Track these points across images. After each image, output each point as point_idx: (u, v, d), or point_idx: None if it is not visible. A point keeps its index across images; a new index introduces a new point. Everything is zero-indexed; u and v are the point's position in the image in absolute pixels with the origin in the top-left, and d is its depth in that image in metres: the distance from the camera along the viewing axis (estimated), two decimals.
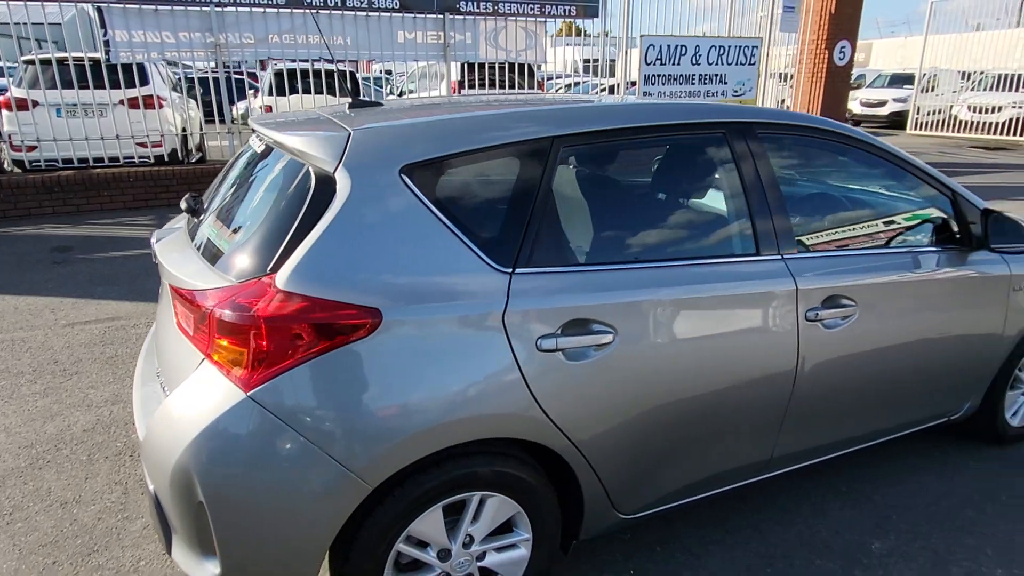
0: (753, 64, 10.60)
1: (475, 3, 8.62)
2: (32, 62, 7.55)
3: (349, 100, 2.13)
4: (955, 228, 2.48)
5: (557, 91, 12.17)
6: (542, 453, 1.83)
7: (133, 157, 7.77)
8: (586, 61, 15.69)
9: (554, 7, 9.09)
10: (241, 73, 9.43)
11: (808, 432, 2.25)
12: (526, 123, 1.81)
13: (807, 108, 11.38)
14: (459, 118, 1.82)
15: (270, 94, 9.38)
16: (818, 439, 2.30)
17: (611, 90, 11.34)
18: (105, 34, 7.14)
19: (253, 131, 2.11)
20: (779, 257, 2.06)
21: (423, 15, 8.44)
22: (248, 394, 1.48)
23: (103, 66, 7.44)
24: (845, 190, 2.46)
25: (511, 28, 8.99)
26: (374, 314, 1.53)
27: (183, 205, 2.11)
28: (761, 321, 2.00)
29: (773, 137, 2.16)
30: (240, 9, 7.55)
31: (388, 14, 8.24)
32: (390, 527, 1.64)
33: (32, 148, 7.46)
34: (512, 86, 9.53)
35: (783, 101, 11.71)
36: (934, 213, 2.50)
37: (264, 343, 1.48)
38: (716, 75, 10.41)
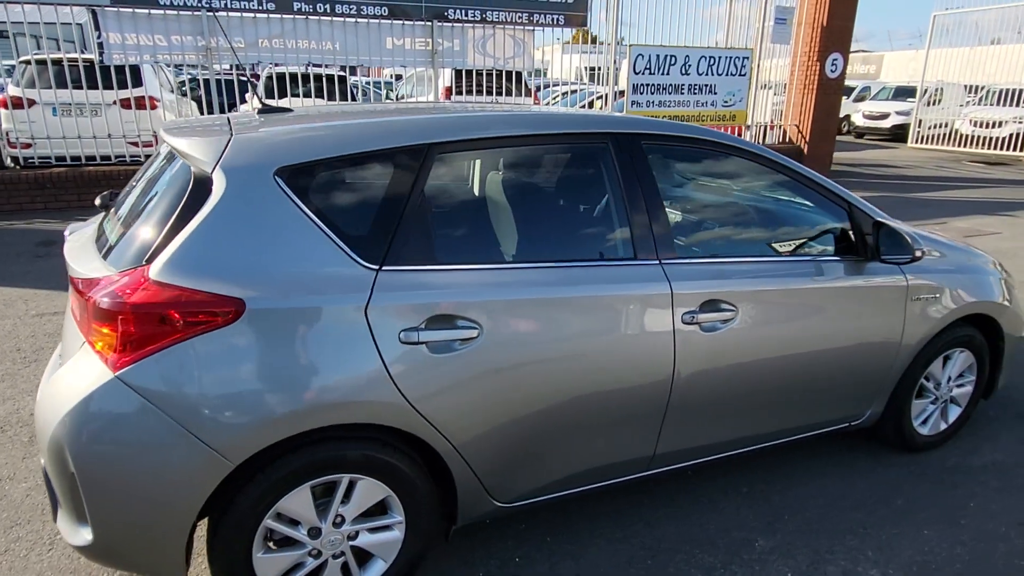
0: (744, 75, 10.68)
1: (463, 11, 8.77)
2: (29, 62, 7.79)
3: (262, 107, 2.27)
4: (852, 239, 2.57)
5: (554, 99, 12.28)
6: (412, 440, 1.94)
7: (125, 156, 7.99)
8: (592, 69, 15.86)
9: (542, 15, 9.23)
10: (258, 76, 9.66)
11: (693, 431, 2.34)
12: (403, 131, 1.94)
13: (799, 119, 11.44)
14: (339, 125, 1.95)
15: (269, 98, 9.57)
16: (704, 438, 2.39)
17: (606, 99, 11.44)
18: (99, 36, 7.36)
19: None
20: (656, 262, 2.16)
21: (412, 22, 8.60)
22: (116, 374, 1.61)
23: (99, 68, 7.66)
24: (735, 200, 2.56)
25: (499, 36, 9.13)
26: (237, 304, 1.66)
27: (97, 201, 2.26)
28: (635, 322, 2.11)
29: (659, 148, 2.27)
30: (231, 14, 7.75)
31: (377, 20, 8.41)
32: (258, 504, 1.76)
33: (27, 145, 7.69)
34: (502, 93, 9.67)
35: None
36: (828, 224, 2.59)
37: (132, 328, 1.61)
38: (706, 85, 10.49)
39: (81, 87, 7.60)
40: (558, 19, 9.36)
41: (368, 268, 1.81)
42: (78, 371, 1.67)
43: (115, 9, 7.31)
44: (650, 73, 10.07)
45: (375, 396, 1.78)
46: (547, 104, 11.77)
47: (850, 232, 2.58)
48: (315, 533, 1.89)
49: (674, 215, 2.30)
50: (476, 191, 2.12)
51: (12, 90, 7.90)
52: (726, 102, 10.72)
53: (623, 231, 2.15)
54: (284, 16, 7.98)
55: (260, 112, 2.23)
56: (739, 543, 2.40)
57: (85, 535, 1.70)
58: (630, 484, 2.67)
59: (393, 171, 1.90)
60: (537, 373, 1.98)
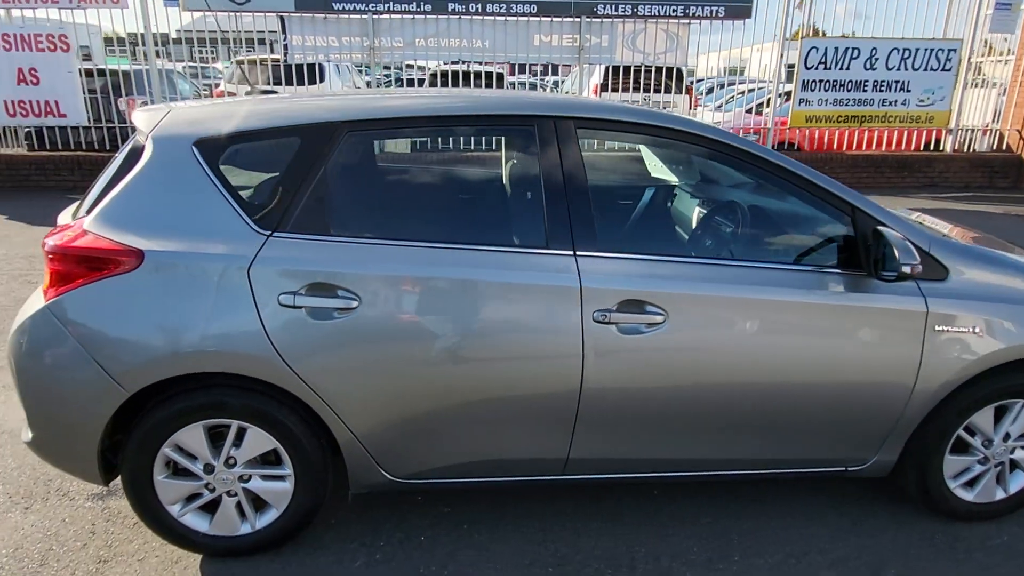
0: (948, 70, 9.18)
1: (613, 6, 8.65)
2: (241, 62, 9.25)
3: None
4: (854, 248, 2.17)
5: (728, 99, 11.59)
6: (296, 398, 2.06)
7: None
8: (790, 67, 14.66)
9: (699, 8, 8.76)
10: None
11: (614, 441, 2.16)
12: (315, 110, 2.06)
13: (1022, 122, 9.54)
14: (264, 104, 2.12)
15: None
16: (634, 452, 2.20)
17: (767, 102, 10.54)
18: (285, 39, 8.49)
19: None
20: (570, 253, 2.04)
21: (560, 19, 8.69)
22: (45, 305, 1.94)
23: (293, 66, 8.84)
24: (692, 193, 2.28)
25: (651, 30, 8.86)
26: (138, 255, 1.91)
27: None
28: (535, 314, 2.01)
29: (597, 133, 2.13)
30: (392, 16, 8.47)
31: (525, 18, 8.63)
32: (155, 432, 2.01)
33: None
34: (657, 90, 9.37)
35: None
36: (819, 229, 2.21)
37: (59, 267, 1.93)
38: (897, 82, 9.21)
39: (280, 83, 8.84)
40: (718, 11, 8.83)
41: (259, 233, 1.96)
42: (31, 302, 2.04)
43: (299, 15, 8.37)
44: (825, 68, 9.11)
45: (250, 350, 1.93)
46: (717, 106, 11.14)
47: (847, 240, 2.18)
48: (209, 469, 2.09)
49: (608, 205, 2.14)
50: (386, 170, 2.17)
51: (225, 86, 9.44)
52: (921, 101, 9.31)
53: (537, 218, 2.06)
54: (439, 16, 8.53)
55: (248, 93, 2.49)
56: (661, 572, 2.18)
57: (28, 433, 2.07)
58: (592, 489, 2.56)
59: (300, 147, 2.03)
60: (420, 352, 1.99)
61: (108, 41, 9.94)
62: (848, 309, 2.13)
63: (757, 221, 2.25)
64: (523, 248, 2.05)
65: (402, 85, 9.92)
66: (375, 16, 8.44)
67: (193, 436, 2.04)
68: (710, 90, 12.27)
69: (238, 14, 8.48)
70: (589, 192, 2.08)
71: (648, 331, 2.05)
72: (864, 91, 9.23)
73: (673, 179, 2.29)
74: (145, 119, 2.08)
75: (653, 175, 2.27)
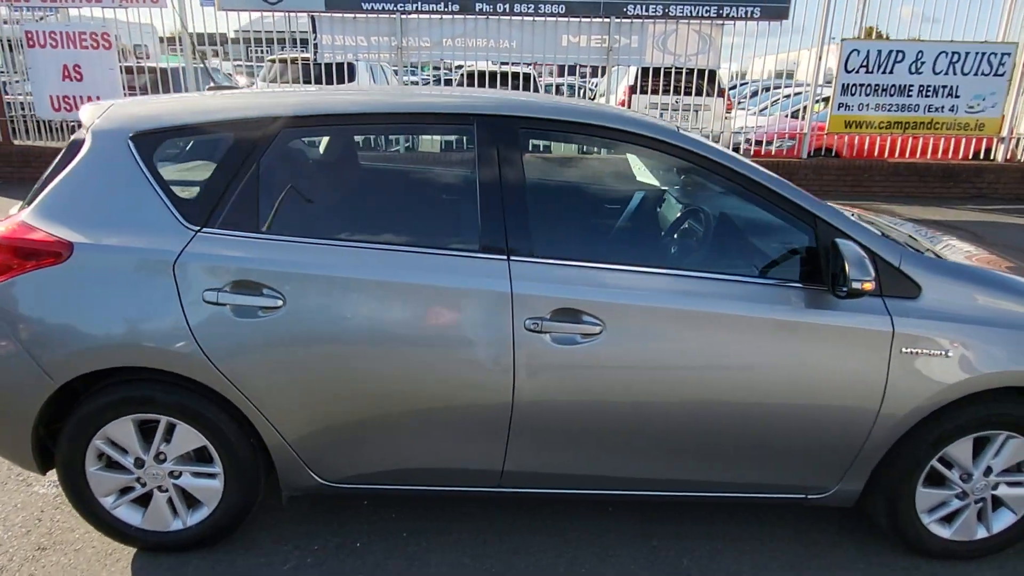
0: (1001, 75, 8.66)
1: (643, 6, 8.47)
2: (274, 61, 9.45)
3: None
4: (815, 261, 2.03)
5: (773, 102, 11.23)
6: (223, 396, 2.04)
7: None
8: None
9: (733, 8, 8.49)
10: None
11: (550, 455, 2.07)
12: (250, 107, 2.03)
13: None
14: (204, 97, 2.11)
15: None
16: (571, 467, 2.10)
17: (802, 111, 10.15)
18: (316, 38, 8.62)
19: None
20: (503, 258, 1.96)
21: (588, 19, 8.56)
22: None
23: (322, 65, 8.97)
24: (644, 200, 2.16)
25: (682, 31, 8.64)
26: (68, 247, 1.92)
27: None
28: (465, 320, 1.95)
29: (542, 133, 2.04)
30: (420, 16, 8.49)
31: (554, 19, 8.53)
32: (85, 423, 2.02)
33: None
34: (689, 92, 9.14)
35: None
36: (783, 240, 2.07)
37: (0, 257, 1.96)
38: (944, 87, 8.74)
39: (311, 81, 8.99)
40: (753, 12, 8.54)
41: (188, 228, 1.95)
42: None
43: (329, 14, 8.48)
44: (867, 72, 8.71)
45: (174, 346, 1.92)
46: (761, 108, 10.80)
47: (809, 252, 2.04)
48: (139, 464, 2.09)
49: (552, 209, 2.05)
50: (322, 168, 2.12)
51: (259, 84, 9.64)
52: (971, 107, 8.81)
53: (471, 220, 1.99)
54: (467, 16, 8.51)
55: (208, 89, 2.49)
56: None
57: None
58: (540, 503, 2.47)
59: (233, 143, 2.01)
60: (346, 355, 1.94)
61: (171, 40, 10.42)
62: (805, 326, 1.98)
63: (713, 230, 2.12)
64: (455, 251, 1.97)
65: (464, 84, 9.91)
66: (403, 16, 8.48)
67: (123, 430, 2.05)
68: (755, 93, 11.95)
69: (297, 15, 8.62)
70: (527, 194, 1.99)
71: (584, 342, 1.95)
72: (908, 96, 8.79)
73: (629, 185, 2.19)
74: (89, 113, 2.10)
75: (607, 180, 2.17)
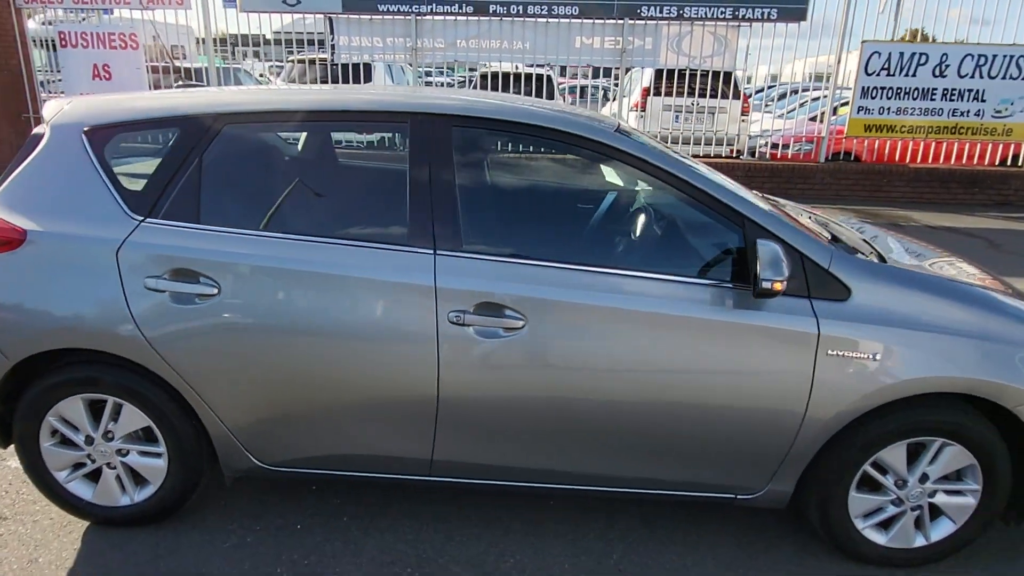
0: None
1: (658, 8, 8.43)
2: (295, 61, 9.68)
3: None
4: (740, 259, 2.03)
5: (800, 105, 11.05)
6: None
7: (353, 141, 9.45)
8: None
9: (749, 10, 8.40)
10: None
11: (478, 446, 2.12)
12: (194, 103, 2.13)
13: None
14: (157, 95, 2.21)
15: None
16: (499, 459, 2.14)
17: (823, 115, 9.94)
18: (333, 39, 8.80)
19: None
20: (430, 252, 2.01)
21: (602, 20, 8.56)
22: None
23: (340, 66, 9.15)
24: (573, 198, 2.19)
25: (697, 33, 8.57)
26: (22, 234, 2.04)
27: None
28: (391, 312, 2.00)
29: (476, 132, 2.09)
30: (435, 17, 8.60)
31: (567, 20, 8.55)
32: (38, 401, 2.13)
33: None
34: (705, 94, 9.06)
35: None
36: (713, 238, 2.08)
37: None
38: (970, 91, 8.49)
39: (329, 82, 9.18)
40: (770, 13, 8.43)
41: (132, 218, 2.05)
42: None
43: (345, 16, 8.65)
44: (888, 75, 8.52)
45: (117, 330, 2.03)
46: (789, 111, 10.64)
47: (739, 252, 2.04)
48: (89, 441, 2.20)
49: (484, 205, 2.10)
50: (261, 163, 2.21)
51: (278, 82, 9.88)
52: (998, 112, 8.55)
53: (401, 215, 2.05)
54: (481, 18, 8.59)
55: (177, 86, 2.61)
56: None
57: None
58: (480, 494, 2.52)
59: (178, 137, 2.10)
60: (278, 343, 2.02)
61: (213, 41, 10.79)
62: (728, 326, 1.99)
63: (643, 229, 2.14)
64: (384, 244, 2.04)
65: (465, 86, 10.00)
66: (418, 18, 8.60)
67: (74, 408, 2.16)
68: (783, 96, 11.77)
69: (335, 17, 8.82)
70: (457, 191, 2.04)
71: (506, 336, 1.99)
72: (932, 100, 8.57)
73: (562, 183, 2.22)
74: (51, 108, 2.22)
75: (542, 178, 2.21)
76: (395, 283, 2.00)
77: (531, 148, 2.31)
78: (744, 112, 9.75)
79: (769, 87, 11.07)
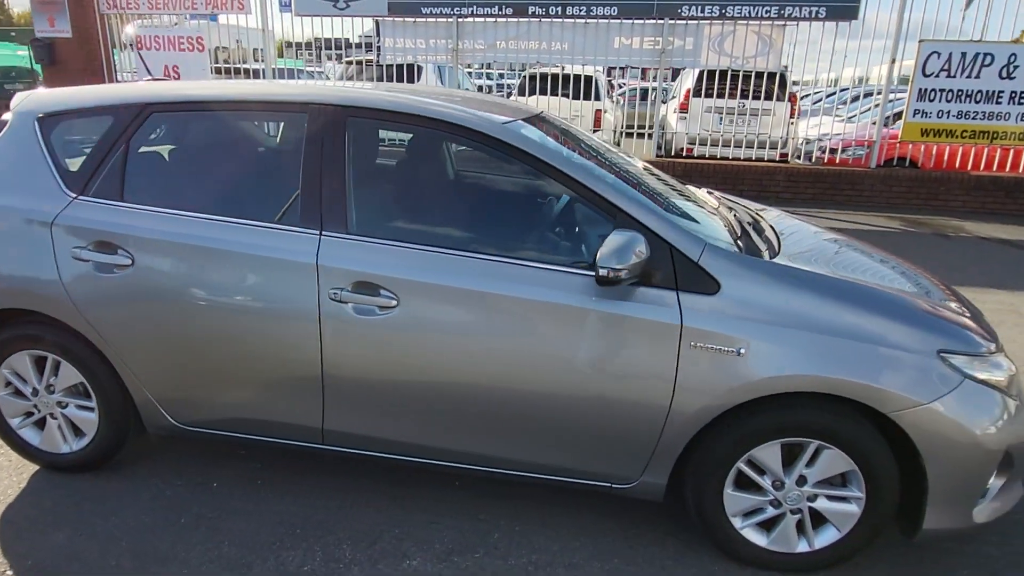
0: None
1: (699, 7, 8.28)
2: (349, 63, 10.15)
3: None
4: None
5: (863, 111, 10.55)
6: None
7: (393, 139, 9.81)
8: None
9: (797, 8, 8.10)
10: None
11: (362, 418, 2.24)
12: (128, 94, 2.36)
13: None
14: (105, 88, 2.47)
15: (520, 94, 10.51)
16: (383, 432, 2.25)
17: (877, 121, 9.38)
18: (379, 41, 9.16)
19: None
20: (316, 233, 2.16)
21: (642, 21, 8.49)
22: None
23: (392, 67, 9.51)
24: (453, 187, 2.26)
25: (740, 32, 8.36)
26: None
27: None
28: (279, 284, 2.16)
29: (369, 123, 2.22)
30: (476, 19, 8.80)
31: (606, 20, 8.54)
32: None
33: None
34: (757, 96, 8.81)
35: None
36: (592, 229, 2.11)
37: None
38: None
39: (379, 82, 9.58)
40: (818, 12, 8.11)
41: (67, 195, 2.31)
42: None
43: (391, 19, 8.99)
44: (948, 76, 8.02)
45: (49, 294, 2.29)
46: (850, 116, 10.19)
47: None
48: (35, 393, 2.49)
49: (373, 191, 2.22)
50: (182, 147, 2.42)
51: (335, 82, 10.38)
52: None
53: (294, 198, 2.20)
54: (520, 19, 8.71)
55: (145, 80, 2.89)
56: (393, 555, 2.22)
57: None
58: (386, 469, 2.65)
59: (112, 123, 2.35)
60: (181, 312, 2.22)
61: (308, 45, 11.47)
62: (593, 315, 2.02)
63: (520, 216, 2.20)
64: (277, 224, 2.20)
65: (526, 87, 10.08)
66: (459, 20, 8.83)
67: (21, 362, 2.45)
68: (855, 99, 11.26)
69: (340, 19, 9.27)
70: (346, 177, 2.18)
71: (381, 314, 2.11)
72: (998, 103, 7.99)
73: (449, 171, 2.32)
74: (17, 98, 2.52)
75: (431, 166, 2.31)
76: (283, 261, 2.15)
77: (427, 139, 2.42)
78: (792, 114, 9.41)
79: (842, 90, 10.61)
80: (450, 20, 8.84)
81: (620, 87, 15.44)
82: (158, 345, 2.28)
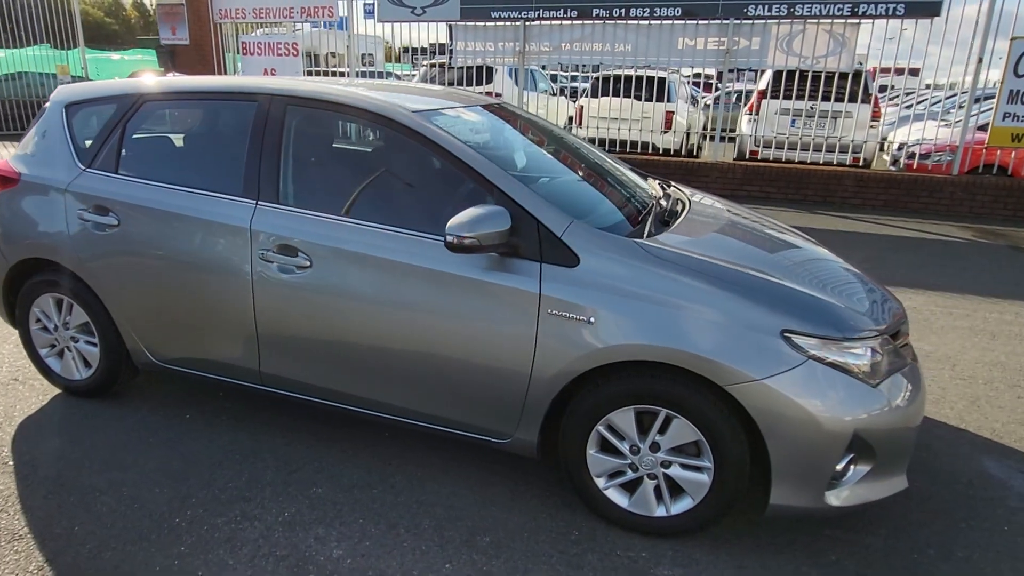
0: None
1: (766, 6, 8.09)
2: (430, 65, 10.78)
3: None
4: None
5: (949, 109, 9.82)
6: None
7: None
8: None
9: (872, 6, 7.72)
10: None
11: (289, 364, 2.60)
12: (128, 87, 2.88)
13: None
14: (120, 81, 3.00)
15: (592, 96, 10.66)
16: (307, 378, 2.60)
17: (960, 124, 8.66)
18: (452, 45, 9.67)
19: None
20: (252, 202, 2.55)
21: (707, 21, 8.41)
22: None
23: (470, 69, 10.03)
24: (369, 167, 2.56)
25: (810, 32, 8.07)
26: (18, 176, 2.94)
27: None
28: (223, 244, 2.57)
29: (305, 111, 2.58)
30: (542, 23, 9.08)
31: (670, 21, 8.54)
32: (27, 295, 3.03)
33: None
34: (839, 98, 8.49)
35: None
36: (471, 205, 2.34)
37: None
38: None
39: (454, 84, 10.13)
40: (896, 9, 7.69)
41: (79, 167, 2.86)
42: None
43: (463, 23, 9.47)
44: None
45: (63, 248, 2.84)
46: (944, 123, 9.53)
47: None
48: (55, 328, 3.07)
49: (298, 169, 2.58)
50: (163, 129, 2.91)
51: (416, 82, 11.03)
52: None
53: (239, 172, 2.61)
54: (584, 22, 8.90)
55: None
56: (302, 478, 2.56)
57: None
58: (333, 416, 3.01)
59: (115, 111, 2.87)
60: (151, 264, 2.70)
61: (415, 51, 12.40)
62: (464, 281, 2.26)
63: (418, 192, 2.48)
64: (225, 194, 2.61)
65: (599, 88, 10.29)
66: (527, 23, 9.15)
67: (46, 303, 3.04)
68: (961, 105, 10.45)
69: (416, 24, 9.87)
70: (281, 155, 2.56)
71: (299, 273, 2.47)
72: None
73: (360, 152, 2.68)
74: (56, 91, 3.12)
75: (355, 149, 2.65)
76: (225, 225, 2.56)
77: (357, 125, 2.77)
78: (875, 117, 8.94)
79: (950, 95, 9.91)
80: (517, 24, 9.18)
81: (717, 89, 15.14)
82: (137, 293, 2.77)
